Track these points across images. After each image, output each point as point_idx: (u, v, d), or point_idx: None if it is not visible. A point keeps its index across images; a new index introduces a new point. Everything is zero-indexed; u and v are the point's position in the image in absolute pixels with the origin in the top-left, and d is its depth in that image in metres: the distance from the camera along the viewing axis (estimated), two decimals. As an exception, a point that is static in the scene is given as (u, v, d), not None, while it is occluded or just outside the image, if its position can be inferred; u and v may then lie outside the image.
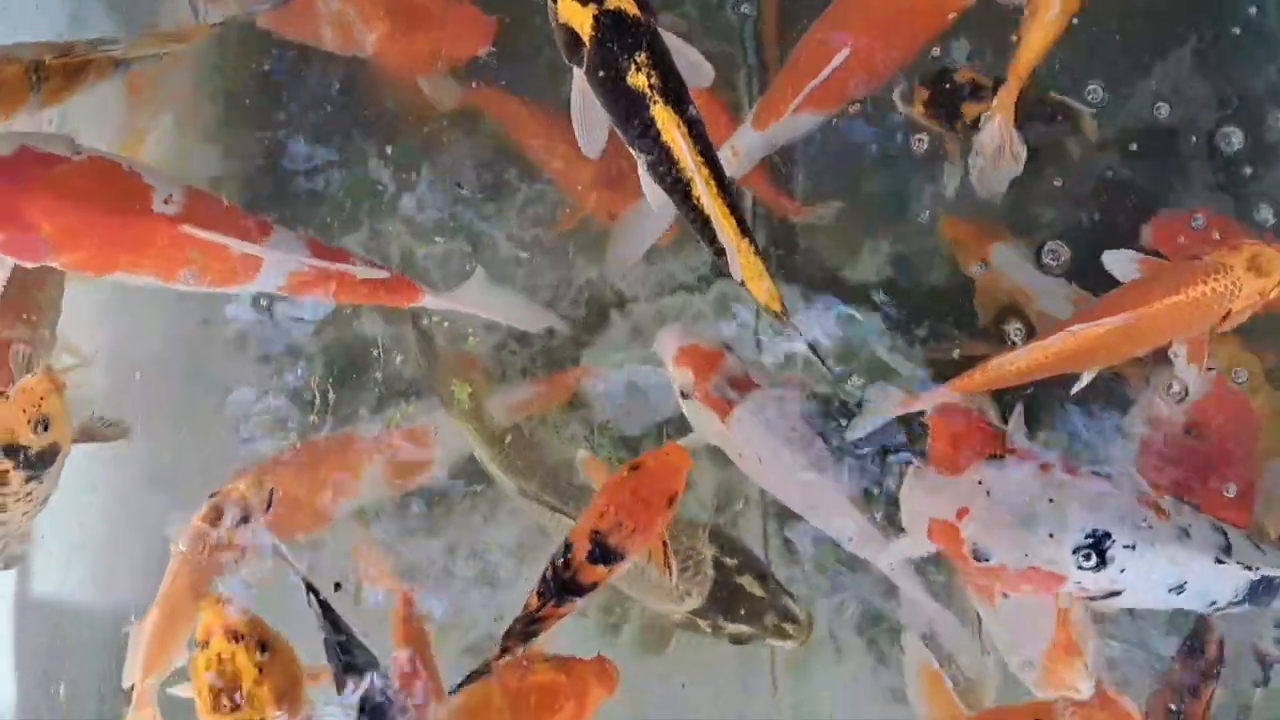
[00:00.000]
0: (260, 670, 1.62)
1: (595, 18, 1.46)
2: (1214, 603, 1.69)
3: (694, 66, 1.58)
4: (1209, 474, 1.87)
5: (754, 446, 1.90)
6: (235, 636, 1.61)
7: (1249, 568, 1.65)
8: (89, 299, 2.15)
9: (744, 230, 1.52)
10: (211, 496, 1.87)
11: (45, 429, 1.81)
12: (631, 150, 1.56)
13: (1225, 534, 1.69)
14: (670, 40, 1.55)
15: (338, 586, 1.96)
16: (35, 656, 2.29)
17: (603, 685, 1.86)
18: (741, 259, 1.53)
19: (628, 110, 1.50)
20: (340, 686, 1.65)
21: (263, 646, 1.63)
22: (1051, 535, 1.62)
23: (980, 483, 1.66)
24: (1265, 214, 2.08)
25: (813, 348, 1.92)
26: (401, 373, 2.21)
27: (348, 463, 2.16)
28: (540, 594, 1.70)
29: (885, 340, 2.16)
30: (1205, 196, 2.10)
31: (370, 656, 1.69)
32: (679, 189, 1.52)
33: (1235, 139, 2.08)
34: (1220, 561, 1.63)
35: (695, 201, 1.51)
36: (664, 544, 1.83)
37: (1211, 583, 1.65)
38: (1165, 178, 2.13)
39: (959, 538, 1.65)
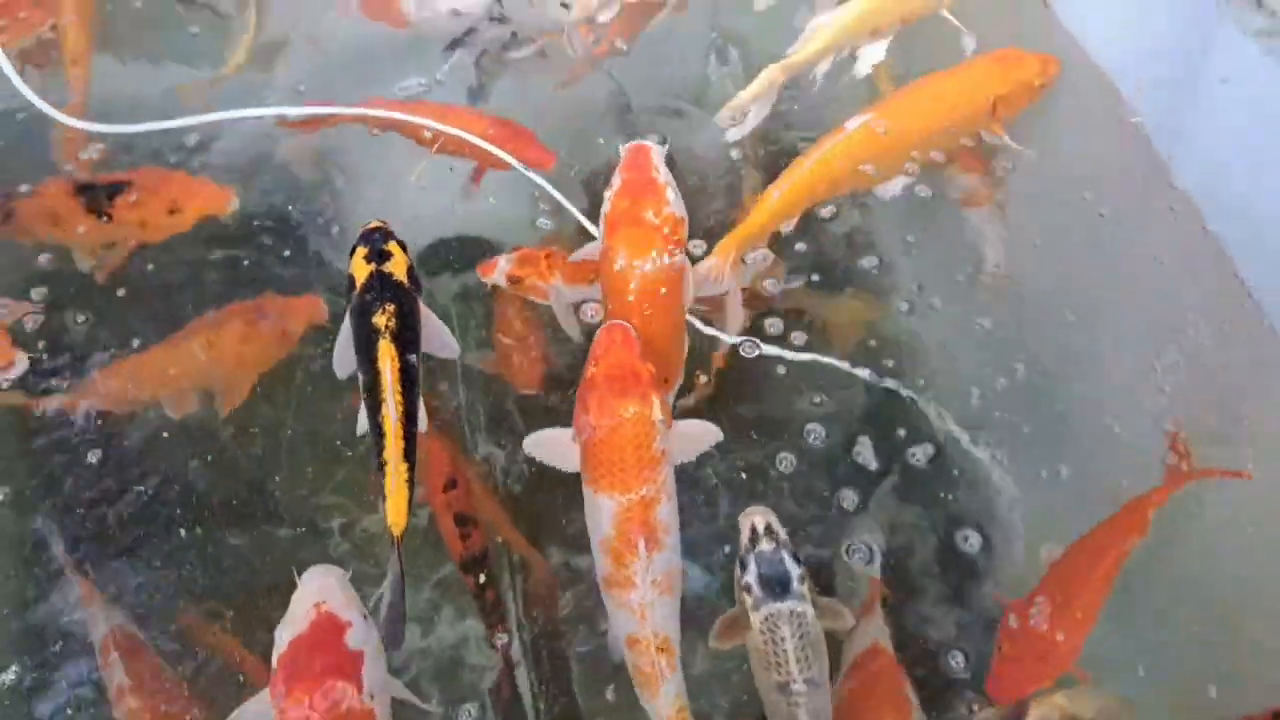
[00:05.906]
0: None
1: (370, 273, 1.94)
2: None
3: (444, 343, 2.05)
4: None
5: None
6: None
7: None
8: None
9: (407, 455, 1.82)
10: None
11: None
12: (358, 368, 1.94)
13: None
14: (428, 315, 1.99)
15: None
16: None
17: None
18: (394, 477, 1.81)
19: (365, 338, 1.90)
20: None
21: None
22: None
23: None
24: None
25: None
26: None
27: None
28: None
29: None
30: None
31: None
32: (373, 405, 1.86)
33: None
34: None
35: (380, 420, 1.83)
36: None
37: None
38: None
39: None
